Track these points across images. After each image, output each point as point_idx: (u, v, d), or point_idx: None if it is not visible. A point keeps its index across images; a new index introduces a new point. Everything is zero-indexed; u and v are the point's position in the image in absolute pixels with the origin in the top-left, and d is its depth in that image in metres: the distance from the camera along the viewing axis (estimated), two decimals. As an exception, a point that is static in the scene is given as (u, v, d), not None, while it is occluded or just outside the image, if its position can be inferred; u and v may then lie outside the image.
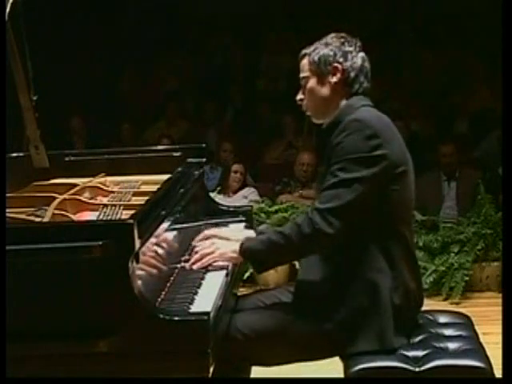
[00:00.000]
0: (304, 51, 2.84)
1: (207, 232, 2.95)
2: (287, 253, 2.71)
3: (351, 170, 2.60)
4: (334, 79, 2.76)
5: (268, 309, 2.81)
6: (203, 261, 2.77)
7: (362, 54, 2.80)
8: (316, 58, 2.78)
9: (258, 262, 2.72)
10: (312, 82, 2.80)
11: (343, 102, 2.77)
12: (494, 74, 8.44)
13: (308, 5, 10.14)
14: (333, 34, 2.84)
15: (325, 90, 2.78)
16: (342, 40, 2.80)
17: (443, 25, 9.86)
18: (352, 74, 2.76)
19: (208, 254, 2.78)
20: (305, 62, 2.82)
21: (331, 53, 2.77)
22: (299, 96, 2.85)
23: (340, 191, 2.60)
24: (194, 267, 2.77)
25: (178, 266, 2.83)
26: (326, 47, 2.78)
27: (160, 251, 2.64)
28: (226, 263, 2.79)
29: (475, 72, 9.19)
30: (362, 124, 2.63)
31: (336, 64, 2.75)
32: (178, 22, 10.18)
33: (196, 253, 2.81)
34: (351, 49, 2.78)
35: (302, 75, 2.83)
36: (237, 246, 2.74)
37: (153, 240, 2.54)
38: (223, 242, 2.83)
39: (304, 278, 2.80)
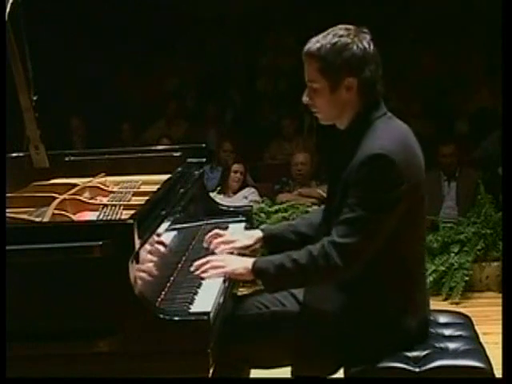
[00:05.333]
0: (311, 49, 2.60)
1: (224, 238, 2.94)
2: (299, 281, 2.65)
3: (371, 209, 2.49)
4: (348, 92, 2.59)
5: (268, 310, 2.79)
6: (212, 272, 2.70)
7: (374, 53, 2.60)
8: (328, 67, 2.57)
9: (268, 284, 2.68)
10: (322, 89, 2.61)
11: (357, 110, 2.62)
12: (494, 74, 8.45)
13: (308, 5, 10.14)
14: (343, 31, 2.60)
15: (337, 98, 2.61)
16: (356, 40, 2.57)
17: (443, 25, 9.85)
18: (368, 85, 2.59)
19: (219, 267, 2.71)
20: (314, 65, 2.60)
21: (344, 62, 2.55)
22: (305, 98, 2.68)
23: (358, 227, 2.50)
24: (203, 274, 2.70)
25: (179, 266, 2.83)
26: (338, 53, 2.55)
27: (160, 251, 2.64)
28: (235, 278, 2.73)
29: (475, 72, 9.19)
30: (384, 161, 2.48)
31: (350, 79, 2.57)
32: (177, 22, 10.18)
33: (207, 261, 2.74)
34: (366, 50, 2.57)
35: (310, 78, 2.63)
36: (249, 264, 2.68)
37: (153, 240, 2.54)
38: (235, 257, 2.81)
39: (311, 292, 2.75)
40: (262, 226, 3.31)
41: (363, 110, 2.63)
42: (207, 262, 2.73)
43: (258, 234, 3.00)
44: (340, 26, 2.64)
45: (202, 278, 2.70)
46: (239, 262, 2.73)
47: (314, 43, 2.61)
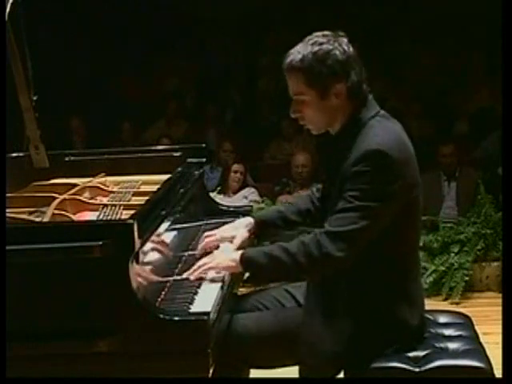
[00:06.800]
0: (293, 62, 2.58)
1: (208, 239, 2.94)
2: (290, 271, 2.59)
3: (366, 200, 2.49)
4: (338, 98, 2.58)
5: (267, 310, 2.80)
6: (199, 270, 2.68)
7: (354, 54, 2.58)
8: (314, 78, 2.55)
9: (257, 274, 2.67)
10: (311, 100, 2.59)
11: (347, 113, 2.61)
12: (494, 74, 8.45)
13: (308, 5, 10.15)
14: (321, 38, 2.57)
15: (327, 106, 2.59)
16: (336, 45, 2.55)
17: (443, 25, 9.86)
18: (355, 88, 2.57)
19: (205, 264, 2.69)
20: (299, 78, 2.58)
21: (330, 70, 2.53)
22: (294, 114, 2.67)
23: (352, 216, 2.50)
24: (192, 277, 2.67)
25: (179, 266, 2.83)
26: (322, 62, 2.53)
27: (160, 251, 2.64)
28: (224, 272, 2.70)
29: (475, 72, 9.19)
30: (380, 155, 2.49)
31: (338, 85, 2.55)
32: (178, 22, 10.18)
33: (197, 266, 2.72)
34: (348, 54, 2.55)
35: (296, 92, 2.61)
36: (237, 255, 2.65)
37: (153, 240, 2.54)
38: (221, 251, 2.80)
39: (312, 293, 2.71)
40: (254, 214, 3.28)
41: (355, 111, 2.61)
42: (198, 268, 2.70)
43: (251, 222, 2.97)
44: (317, 34, 2.62)
45: (202, 278, 2.70)
46: (226, 255, 2.71)
47: (295, 55, 2.59)
